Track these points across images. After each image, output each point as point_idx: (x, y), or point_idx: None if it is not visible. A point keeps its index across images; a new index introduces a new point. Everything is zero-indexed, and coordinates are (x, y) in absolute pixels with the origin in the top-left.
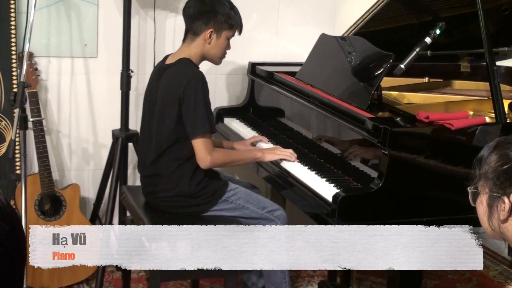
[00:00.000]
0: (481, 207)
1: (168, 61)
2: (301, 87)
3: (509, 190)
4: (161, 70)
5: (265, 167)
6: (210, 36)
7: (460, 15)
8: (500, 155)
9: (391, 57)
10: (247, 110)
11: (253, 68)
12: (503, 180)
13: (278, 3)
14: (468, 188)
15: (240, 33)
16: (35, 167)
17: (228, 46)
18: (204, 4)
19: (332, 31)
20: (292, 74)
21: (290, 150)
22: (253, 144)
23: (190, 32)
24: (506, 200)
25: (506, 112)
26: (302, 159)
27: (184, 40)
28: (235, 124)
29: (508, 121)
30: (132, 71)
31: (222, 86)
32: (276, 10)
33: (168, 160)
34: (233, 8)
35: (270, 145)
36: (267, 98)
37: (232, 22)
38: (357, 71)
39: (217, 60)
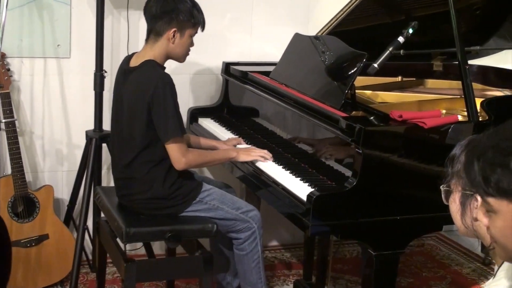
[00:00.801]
0: (454, 205)
1: (132, 63)
2: (275, 86)
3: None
4: (127, 72)
5: (240, 167)
6: (173, 36)
7: (433, 14)
8: None
9: (364, 56)
10: (222, 110)
11: (227, 68)
12: None
13: (252, 3)
14: (441, 187)
15: (203, 30)
16: (8, 168)
17: (191, 44)
18: (165, 3)
19: (306, 30)
20: (267, 74)
21: (265, 151)
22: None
23: (153, 32)
24: (478, 198)
25: (478, 111)
26: (277, 158)
27: (147, 40)
28: (209, 124)
29: (480, 119)
30: (105, 72)
31: (196, 86)
32: (250, 9)
33: (141, 163)
34: (195, 5)
35: (244, 145)
36: (241, 98)
37: (195, 21)
38: (331, 70)
39: (182, 58)
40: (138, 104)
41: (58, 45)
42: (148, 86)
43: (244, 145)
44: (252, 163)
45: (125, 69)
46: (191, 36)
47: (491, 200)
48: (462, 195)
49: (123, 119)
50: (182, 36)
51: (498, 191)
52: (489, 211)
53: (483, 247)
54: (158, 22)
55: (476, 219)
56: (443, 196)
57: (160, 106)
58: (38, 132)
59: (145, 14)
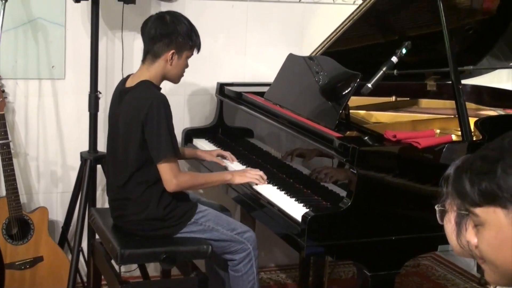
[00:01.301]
0: (449, 225)
1: (128, 84)
2: (269, 107)
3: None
4: (122, 93)
5: (234, 188)
6: (171, 57)
7: (426, 34)
8: None
9: (358, 76)
10: (216, 131)
11: (222, 88)
12: None
13: (246, 24)
14: (436, 206)
15: (198, 52)
16: (2, 190)
17: (187, 65)
18: (165, 26)
19: (300, 51)
20: (261, 94)
21: (260, 172)
22: (221, 156)
23: (151, 54)
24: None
25: (472, 130)
26: (272, 179)
27: (143, 61)
28: (204, 145)
29: (474, 139)
30: (100, 93)
31: (190, 106)
32: (244, 30)
33: (136, 184)
34: (192, 28)
35: (238, 165)
36: (235, 118)
37: (192, 43)
38: (325, 90)
39: (177, 80)
40: (133, 124)
41: (53, 67)
42: (143, 106)
43: (237, 165)
44: (247, 184)
45: (120, 90)
46: (188, 58)
47: (478, 210)
48: (458, 215)
49: (118, 139)
50: (179, 58)
51: (485, 197)
52: (478, 224)
53: (479, 267)
54: (157, 44)
55: None
56: (438, 216)
57: (154, 126)
58: (32, 154)
59: (143, 35)
